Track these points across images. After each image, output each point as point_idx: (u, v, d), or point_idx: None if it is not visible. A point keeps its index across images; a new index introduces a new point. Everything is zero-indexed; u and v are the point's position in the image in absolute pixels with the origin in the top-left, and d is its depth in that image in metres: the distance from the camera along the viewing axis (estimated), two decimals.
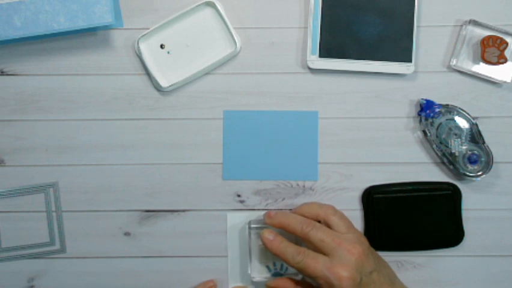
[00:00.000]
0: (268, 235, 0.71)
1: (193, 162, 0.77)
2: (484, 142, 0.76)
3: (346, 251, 0.67)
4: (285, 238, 0.71)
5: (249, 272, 0.75)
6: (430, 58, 0.77)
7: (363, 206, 0.77)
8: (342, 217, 0.72)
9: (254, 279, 0.75)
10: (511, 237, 0.78)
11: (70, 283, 0.77)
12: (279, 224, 0.71)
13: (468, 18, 0.76)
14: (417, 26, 0.76)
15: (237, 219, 0.77)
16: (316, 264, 0.67)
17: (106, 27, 0.77)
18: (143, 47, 0.76)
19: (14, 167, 0.77)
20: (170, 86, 0.75)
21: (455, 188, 0.76)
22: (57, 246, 0.77)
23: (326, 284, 0.67)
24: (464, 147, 0.76)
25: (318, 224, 0.70)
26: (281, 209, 0.77)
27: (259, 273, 0.76)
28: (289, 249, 0.69)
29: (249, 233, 0.75)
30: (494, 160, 0.76)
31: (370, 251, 0.71)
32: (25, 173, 0.77)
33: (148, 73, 0.77)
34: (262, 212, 0.75)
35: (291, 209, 0.76)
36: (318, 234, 0.69)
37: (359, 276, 0.67)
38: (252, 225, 0.75)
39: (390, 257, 0.77)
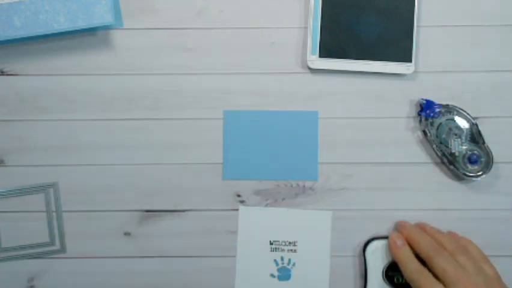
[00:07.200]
0: (397, 239, 0.72)
1: (193, 162, 0.77)
2: (484, 142, 0.76)
3: None
4: (411, 250, 0.71)
5: None
6: (430, 58, 0.77)
7: None
8: (472, 258, 0.70)
9: None
10: (510, 237, 0.77)
11: (70, 283, 0.77)
12: (407, 236, 0.72)
13: (468, 18, 0.76)
14: (417, 26, 0.76)
15: (250, 213, 0.77)
16: None
17: (106, 27, 0.77)
18: None
19: (14, 167, 0.77)
20: None
21: None
22: (57, 246, 0.77)
23: None
24: (464, 147, 0.76)
25: (445, 253, 0.69)
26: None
27: None
28: (410, 264, 0.70)
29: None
30: (494, 160, 0.76)
31: None
32: (25, 173, 0.77)
33: (148, 73, 0.77)
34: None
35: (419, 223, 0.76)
36: (442, 263, 0.68)
37: None
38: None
39: None
